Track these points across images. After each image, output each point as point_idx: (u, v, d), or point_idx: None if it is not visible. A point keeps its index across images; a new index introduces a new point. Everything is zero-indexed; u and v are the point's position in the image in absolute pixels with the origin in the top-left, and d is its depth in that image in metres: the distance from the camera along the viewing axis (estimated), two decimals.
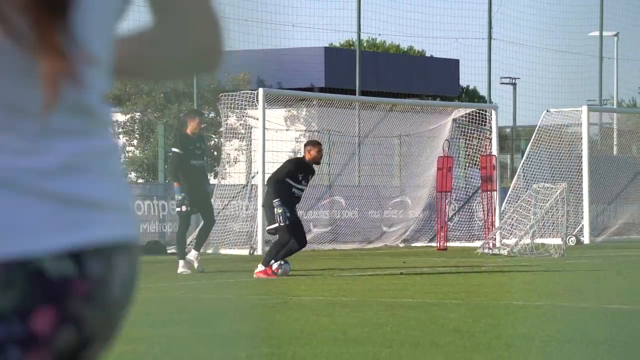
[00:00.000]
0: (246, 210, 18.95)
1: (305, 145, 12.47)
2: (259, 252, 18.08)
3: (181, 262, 12.57)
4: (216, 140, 25.43)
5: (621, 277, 11.89)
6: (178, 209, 12.54)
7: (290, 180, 12.02)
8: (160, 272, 13.38)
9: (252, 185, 18.95)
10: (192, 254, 12.65)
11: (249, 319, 7.75)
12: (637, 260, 15.49)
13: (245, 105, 18.92)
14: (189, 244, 12.93)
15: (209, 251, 18.63)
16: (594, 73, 28.98)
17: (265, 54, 29.02)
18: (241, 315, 8.06)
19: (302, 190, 12.17)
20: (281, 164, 12.83)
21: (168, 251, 18.59)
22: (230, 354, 5.98)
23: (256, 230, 18.28)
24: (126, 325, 5.48)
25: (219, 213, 19.46)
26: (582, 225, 22.03)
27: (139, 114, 25.98)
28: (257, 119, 18.75)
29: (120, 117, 25.85)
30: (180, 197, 12.37)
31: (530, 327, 7.08)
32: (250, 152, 19.85)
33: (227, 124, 19.65)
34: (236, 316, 7.96)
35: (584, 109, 22.42)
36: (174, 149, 12.49)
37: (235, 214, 19.07)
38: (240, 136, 20.34)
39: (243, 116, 20.40)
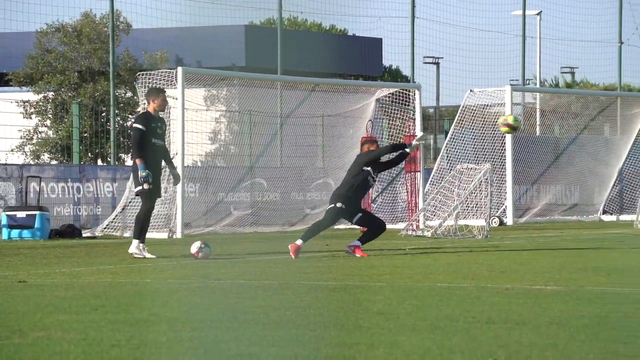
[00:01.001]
0: (165, 192, 18.82)
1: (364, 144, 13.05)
2: (178, 235, 17.97)
3: (135, 242, 12.31)
4: (133, 120, 25.15)
5: (544, 258, 12.10)
6: (139, 187, 12.19)
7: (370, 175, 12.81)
8: (75, 256, 13.23)
9: None
10: (135, 245, 12.30)
11: (168, 303, 7.70)
12: (559, 241, 15.78)
13: (164, 85, 18.76)
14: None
15: (126, 235, 18.46)
16: (517, 52, 29.38)
17: (184, 31, 28.79)
18: (161, 299, 8.01)
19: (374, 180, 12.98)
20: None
21: (83, 234, 18.37)
22: (150, 339, 5.94)
23: (175, 213, 18.16)
24: (40, 312, 5.38)
25: (136, 195, 19.27)
26: (505, 207, 22.36)
27: (52, 93, 25.56)
28: (176, 98, 18.60)
29: (32, 97, 25.42)
30: (144, 174, 12.11)
31: (455, 308, 7.16)
32: (169, 132, 19.69)
33: (144, 103, 19.46)
34: (155, 301, 7.90)
35: (507, 88, 22.71)
36: (135, 125, 12.31)
37: None
38: None
39: None
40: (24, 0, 22.65)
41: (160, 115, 12.57)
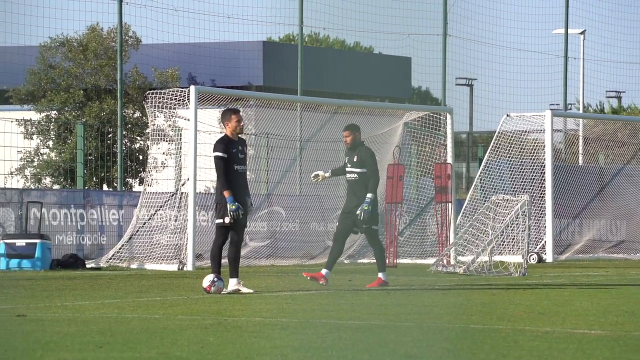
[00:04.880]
0: (175, 221, 18.88)
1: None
2: (189, 267, 18.01)
3: (232, 281, 12.15)
4: (142, 142, 25.29)
5: (587, 299, 12.05)
6: (219, 220, 12.05)
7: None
8: (78, 289, 13.28)
9: (182, 193, 18.88)
10: (233, 283, 12.17)
11: (179, 341, 7.72)
12: (604, 281, 15.72)
13: (175, 105, 18.86)
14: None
15: (133, 266, 18.52)
16: (558, 74, 29.38)
17: (197, 48, 28.96)
18: (170, 337, 8.03)
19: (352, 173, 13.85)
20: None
21: (87, 265, 18.44)
22: None
23: (186, 243, 18.20)
24: (40, 349, 5.40)
25: (144, 224, 19.36)
26: (545, 242, 22.29)
27: (55, 112, 25.73)
28: (188, 119, 18.70)
29: (34, 116, 25.59)
30: (234, 207, 11.96)
31: (489, 353, 7.14)
32: (180, 156, 19.78)
33: (154, 124, 19.59)
34: (164, 338, 7.92)
35: (548, 113, 22.71)
36: (216, 153, 12.16)
37: (162, 225, 18.99)
38: (168, 138, 20.28)
39: (172, 116, 20.35)
40: (27, 12, 22.88)
41: (240, 137, 12.41)
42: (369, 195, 13.47)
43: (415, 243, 21.93)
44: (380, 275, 13.64)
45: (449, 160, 20.71)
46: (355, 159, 13.65)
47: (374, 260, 21.36)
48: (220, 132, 21.89)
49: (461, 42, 27.85)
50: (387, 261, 19.92)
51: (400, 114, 22.09)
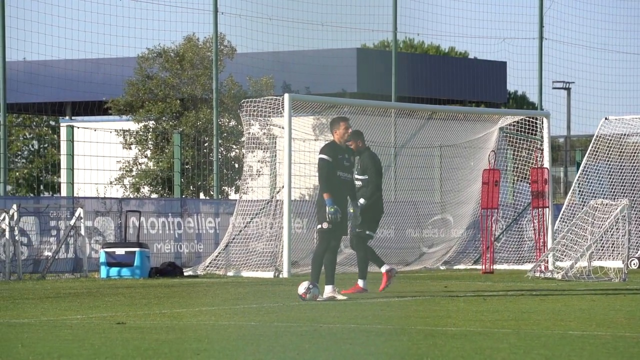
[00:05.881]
0: (270, 228, 18.99)
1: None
2: (284, 274, 18.10)
3: (328, 288, 12.14)
4: (237, 151, 25.52)
5: None
6: (319, 226, 12.11)
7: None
8: (176, 296, 13.44)
9: (277, 200, 18.98)
10: (329, 290, 12.18)
11: (275, 348, 7.76)
12: None
13: (270, 113, 18.99)
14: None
15: (230, 274, 18.68)
16: None
17: (291, 56, 29.14)
18: (266, 344, 8.08)
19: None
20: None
21: (185, 273, 18.66)
22: None
23: (281, 251, 18.29)
24: (140, 356, 5.46)
25: (240, 232, 19.52)
26: None
27: (153, 122, 26.12)
28: (283, 127, 18.80)
29: (132, 126, 26.00)
30: (333, 210, 12.00)
31: (589, 359, 7.03)
32: (275, 164, 19.90)
33: (249, 133, 19.74)
34: (260, 345, 7.97)
35: None
36: (321, 155, 12.26)
37: (258, 232, 19.11)
38: (263, 147, 20.41)
39: (267, 124, 20.49)
40: (125, 24, 23.27)
41: (349, 146, 12.48)
42: (360, 200, 13.21)
43: (512, 248, 21.73)
44: (359, 282, 13.32)
45: (546, 164, 20.48)
46: (359, 166, 13.53)
47: (471, 267, 21.26)
48: (314, 139, 22.01)
49: (558, 46, 27.55)
50: (484, 267, 19.80)
51: (496, 119, 21.92)
